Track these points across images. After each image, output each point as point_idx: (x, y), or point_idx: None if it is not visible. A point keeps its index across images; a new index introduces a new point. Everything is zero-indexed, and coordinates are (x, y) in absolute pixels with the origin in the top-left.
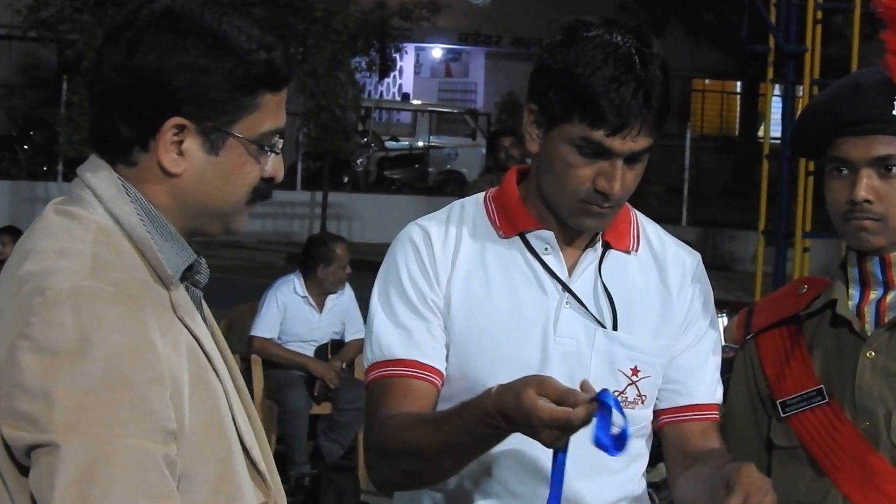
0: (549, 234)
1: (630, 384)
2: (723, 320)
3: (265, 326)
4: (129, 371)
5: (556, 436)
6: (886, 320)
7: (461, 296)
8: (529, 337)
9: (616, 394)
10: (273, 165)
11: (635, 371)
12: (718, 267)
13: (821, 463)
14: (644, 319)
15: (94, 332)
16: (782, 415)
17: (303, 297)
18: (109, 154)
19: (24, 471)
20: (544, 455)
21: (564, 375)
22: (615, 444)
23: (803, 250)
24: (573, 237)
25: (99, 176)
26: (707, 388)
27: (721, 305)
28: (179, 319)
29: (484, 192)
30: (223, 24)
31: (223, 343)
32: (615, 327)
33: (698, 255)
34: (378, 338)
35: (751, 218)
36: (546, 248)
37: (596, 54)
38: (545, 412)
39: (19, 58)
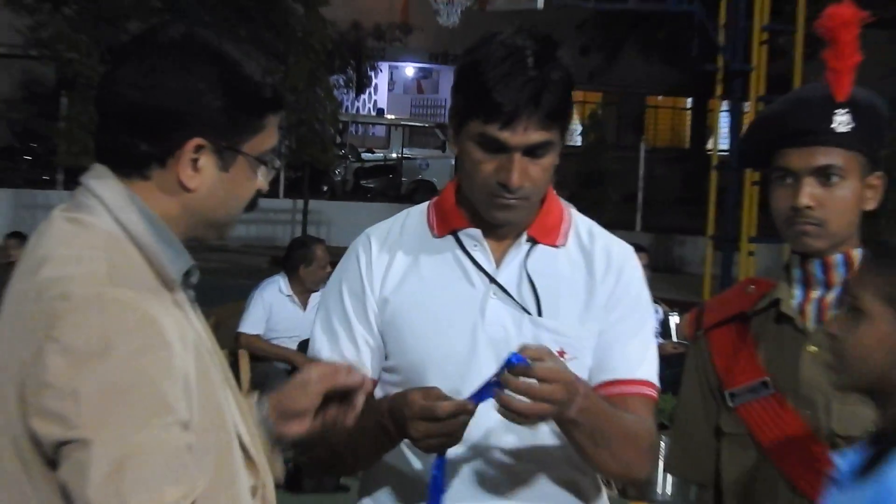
0: (477, 232)
1: None
2: (674, 318)
3: (252, 323)
4: (149, 369)
5: (426, 430)
6: (827, 318)
7: (396, 294)
8: (459, 327)
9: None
10: (264, 179)
11: (561, 353)
12: (670, 269)
13: (766, 449)
14: (570, 306)
15: (116, 334)
16: (731, 404)
17: (288, 295)
18: (123, 167)
19: (50, 464)
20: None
21: (493, 360)
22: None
23: (748, 254)
24: (500, 234)
25: (105, 185)
26: (630, 363)
27: (672, 305)
28: (185, 318)
29: (431, 200)
30: (238, 53)
31: (212, 338)
32: (540, 314)
33: (629, 247)
34: (313, 340)
35: (700, 224)
36: (475, 245)
37: (495, 56)
38: (415, 405)
39: (20, 75)
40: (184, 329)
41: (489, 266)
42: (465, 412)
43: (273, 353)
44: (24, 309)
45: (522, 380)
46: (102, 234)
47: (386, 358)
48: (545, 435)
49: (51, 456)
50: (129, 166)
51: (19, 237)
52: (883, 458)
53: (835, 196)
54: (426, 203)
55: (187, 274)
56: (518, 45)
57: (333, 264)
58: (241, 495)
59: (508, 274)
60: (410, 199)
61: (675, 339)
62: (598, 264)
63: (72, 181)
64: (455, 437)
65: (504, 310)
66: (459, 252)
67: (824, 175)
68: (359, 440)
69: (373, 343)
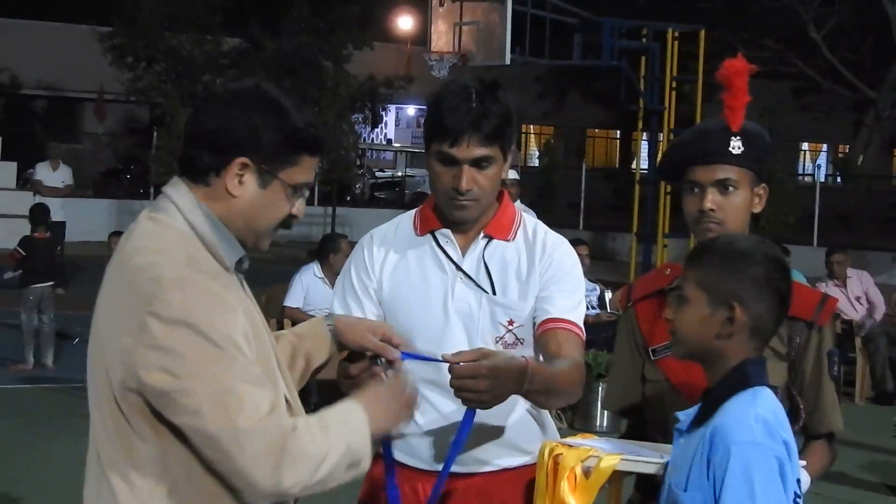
0: (447, 231)
1: (508, 331)
2: (608, 294)
3: (294, 299)
4: (223, 328)
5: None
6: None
7: (389, 279)
8: (434, 303)
9: (497, 339)
10: (299, 207)
11: (511, 322)
12: (605, 258)
13: (678, 389)
14: (515, 286)
15: (196, 307)
16: (652, 358)
17: (320, 277)
18: (193, 175)
19: (155, 413)
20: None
21: (460, 328)
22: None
23: (663, 246)
24: (464, 232)
25: (179, 193)
26: (562, 310)
27: (607, 284)
28: (243, 294)
29: (420, 206)
30: (288, 103)
31: (258, 310)
32: (493, 293)
33: (563, 239)
34: (331, 306)
35: (627, 224)
36: (446, 241)
37: (449, 92)
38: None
39: (122, 115)
40: (241, 301)
41: (456, 257)
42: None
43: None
44: (123, 290)
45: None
46: (176, 230)
47: None
48: None
49: (157, 405)
50: (197, 174)
51: (119, 235)
52: (710, 409)
53: (731, 202)
54: (415, 209)
55: (240, 262)
56: (466, 86)
57: None
58: None
59: (470, 263)
60: (412, 206)
61: (609, 310)
62: (536, 251)
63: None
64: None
65: (468, 290)
66: (435, 246)
67: (723, 186)
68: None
69: (376, 312)
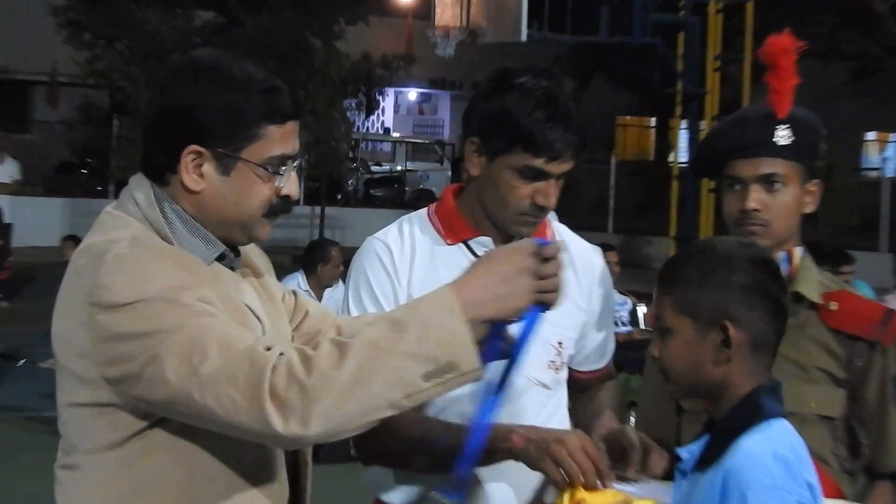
0: (487, 240)
1: (557, 354)
2: (641, 308)
3: None
4: (181, 296)
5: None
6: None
7: (420, 293)
8: None
9: (549, 363)
10: (288, 186)
11: (560, 344)
12: (637, 265)
13: None
14: (563, 303)
15: (141, 281)
16: None
17: (305, 290)
18: (152, 175)
19: (127, 406)
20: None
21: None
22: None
23: None
24: (505, 240)
25: (140, 188)
26: (605, 354)
27: (639, 296)
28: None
29: (425, 209)
30: (233, 68)
31: (279, 309)
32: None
33: (599, 251)
34: None
35: (663, 226)
36: (484, 251)
37: (528, 98)
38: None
39: (79, 101)
40: (213, 282)
41: None
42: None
43: None
44: (70, 287)
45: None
46: (133, 223)
47: None
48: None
49: (132, 396)
50: (154, 174)
51: (74, 240)
52: (719, 447)
53: (778, 201)
54: (423, 211)
55: (225, 259)
56: (544, 87)
57: (346, 263)
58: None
59: None
60: (413, 205)
61: (641, 326)
62: (579, 265)
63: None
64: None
65: None
66: (472, 257)
67: (768, 182)
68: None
69: None
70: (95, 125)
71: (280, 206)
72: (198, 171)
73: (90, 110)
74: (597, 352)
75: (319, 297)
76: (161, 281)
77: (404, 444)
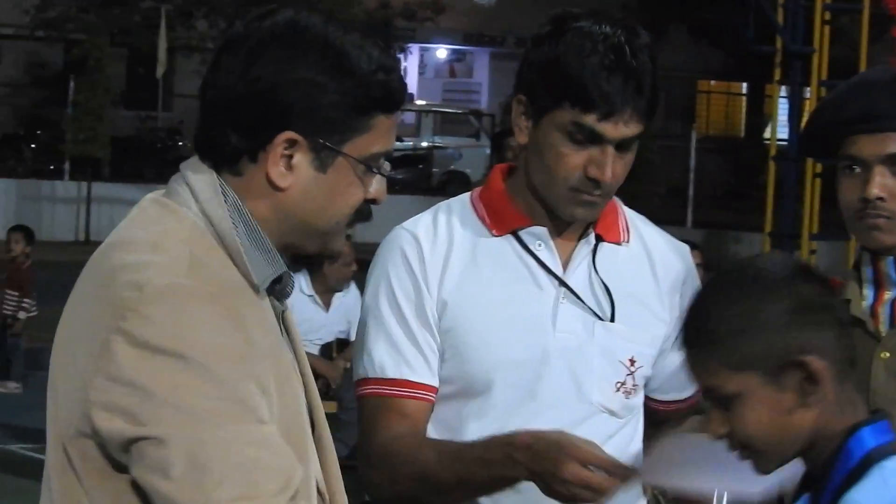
0: (541, 230)
1: (629, 374)
2: None
3: None
4: (221, 370)
5: (580, 476)
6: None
7: (455, 296)
8: (527, 334)
9: (619, 385)
10: (377, 187)
11: (633, 361)
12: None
13: None
14: (637, 311)
15: (190, 331)
16: None
17: (309, 295)
18: (216, 161)
19: (113, 465)
20: None
21: (564, 370)
22: None
23: (810, 252)
24: (565, 231)
25: (200, 175)
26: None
27: None
28: (267, 325)
29: (469, 193)
30: (345, 43)
31: (302, 355)
32: (612, 320)
33: (687, 248)
34: (370, 353)
35: (755, 220)
36: (539, 244)
37: (585, 43)
38: (581, 446)
39: (26, 57)
40: (267, 332)
41: (557, 267)
42: (623, 475)
43: None
44: (94, 294)
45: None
46: (188, 223)
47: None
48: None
49: (116, 456)
50: (221, 160)
51: (23, 231)
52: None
53: None
54: (465, 196)
55: (278, 282)
56: (606, 34)
57: (358, 262)
58: None
59: (578, 276)
60: (442, 191)
61: None
62: (659, 265)
63: (79, 171)
64: (604, 496)
65: (576, 315)
66: (523, 252)
67: None
68: (474, 472)
69: (436, 348)
70: (46, 87)
71: (365, 212)
72: (287, 164)
73: (38, 70)
74: (680, 377)
75: (327, 304)
76: (207, 337)
77: (408, 481)
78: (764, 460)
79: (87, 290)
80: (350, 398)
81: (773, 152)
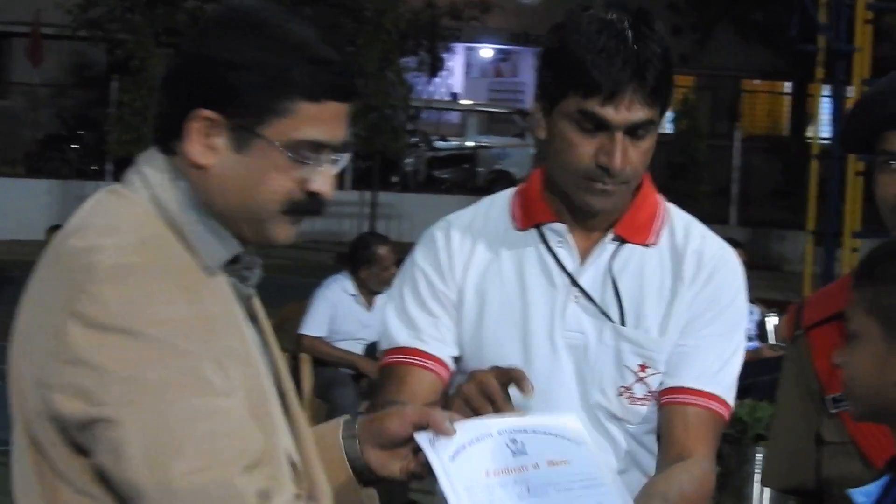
0: (562, 227)
1: (638, 381)
2: (772, 320)
3: (314, 325)
4: (178, 342)
5: None
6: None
7: (475, 287)
8: (537, 329)
9: (622, 389)
10: (319, 181)
11: (643, 367)
12: (767, 267)
13: (871, 458)
14: (653, 314)
15: (142, 306)
16: (833, 410)
17: (353, 295)
18: (160, 141)
19: (75, 449)
20: None
21: (571, 369)
22: None
23: (852, 250)
24: (588, 230)
25: (152, 163)
26: (703, 374)
27: (769, 305)
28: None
29: (514, 188)
30: (283, 26)
31: (272, 341)
32: (622, 322)
33: (729, 249)
34: (386, 327)
35: (800, 218)
36: (559, 241)
37: (590, 30)
38: None
39: (69, 57)
40: (224, 306)
41: (572, 265)
42: None
43: (337, 356)
44: (49, 281)
45: None
46: (140, 207)
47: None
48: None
49: (76, 438)
50: (162, 139)
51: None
52: None
53: None
54: (512, 190)
55: (236, 262)
56: (614, 19)
57: (400, 263)
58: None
59: (592, 275)
60: (488, 190)
61: (772, 342)
62: (687, 266)
63: (122, 172)
64: None
65: (585, 315)
66: (543, 248)
67: None
68: None
69: (452, 327)
70: (89, 88)
71: (305, 205)
72: (207, 143)
73: (83, 70)
74: (693, 367)
75: (370, 303)
76: (161, 312)
77: None
78: (853, 406)
79: (43, 278)
80: None
81: (815, 150)
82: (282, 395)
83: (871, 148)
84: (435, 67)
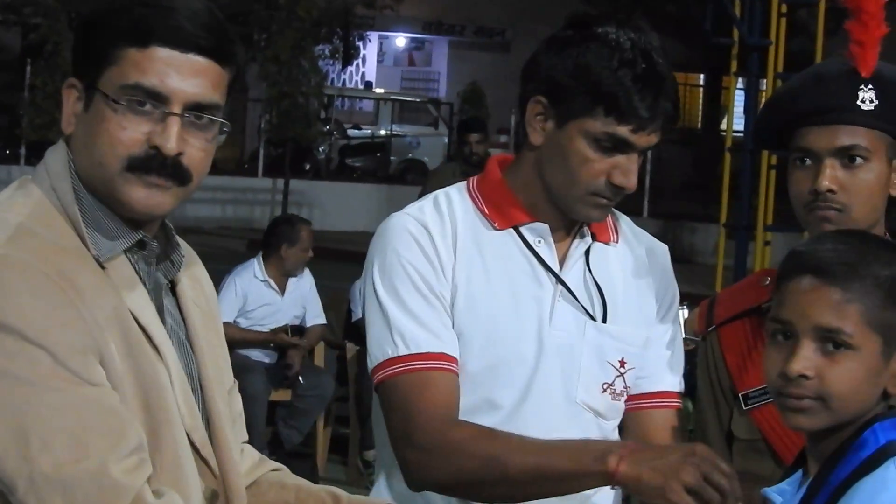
0: (543, 227)
1: (618, 376)
2: (683, 312)
3: (223, 310)
4: (46, 333)
5: (699, 481)
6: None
7: (464, 286)
8: (527, 328)
9: (605, 386)
10: (158, 132)
11: (623, 363)
12: (679, 259)
13: (782, 456)
14: (627, 311)
15: (7, 298)
16: (744, 407)
17: (263, 280)
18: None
19: None
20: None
21: (557, 367)
22: None
23: (764, 243)
24: (563, 229)
25: (55, 153)
26: (673, 376)
27: (682, 298)
28: (114, 290)
29: (465, 183)
30: None
31: (198, 331)
32: (604, 319)
33: (665, 248)
34: (400, 332)
35: (712, 211)
36: (539, 241)
37: (613, 54)
38: (708, 454)
39: None
40: (102, 298)
41: (555, 265)
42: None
43: (249, 339)
44: None
45: None
46: (35, 199)
47: None
48: None
49: None
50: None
51: None
52: (827, 492)
53: (858, 179)
54: (461, 186)
55: (144, 249)
56: (633, 41)
57: (315, 249)
58: (187, 493)
59: (574, 274)
60: (400, 179)
61: (684, 335)
62: (645, 267)
63: (36, 156)
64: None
65: (570, 313)
66: (524, 248)
67: (847, 156)
68: (556, 462)
69: (453, 329)
70: (3, 72)
71: (148, 161)
72: (73, 111)
73: None
74: (668, 370)
75: (282, 288)
76: (29, 306)
77: (473, 463)
78: (821, 415)
79: None
80: (305, 386)
81: (728, 144)
82: (203, 388)
83: (784, 144)
84: (348, 56)
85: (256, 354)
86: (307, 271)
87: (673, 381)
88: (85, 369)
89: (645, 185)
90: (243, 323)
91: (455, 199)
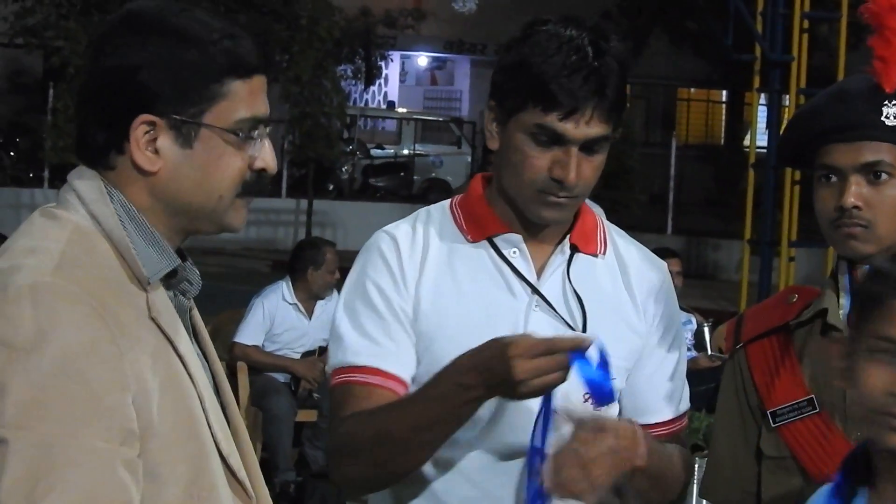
0: (516, 237)
1: None
2: (708, 328)
3: (249, 333)
4: (85, 368)
5: (536, 367)
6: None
7: (430, 300)
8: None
9: (585, 396)
10: (263, 155)
11: None
12: (703, 276)
13: (811, 473)
14: (610, 323)
15: (50, 329)
16: (773, 424)
17: (291, 304)
18: (90, 160)
19: None
20: (520, 454)
21: None
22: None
23: (789, 259)
24: (541, 240)
25: (84, 180)
26: (674, 403)
27: (706, 314)
28: (154, 321)
29: (450, 199)
30: (181, 19)
31: (212, 353)
32: (584, 330)
33: (664, 264)
34: (343, 343)
35: (735, 227)
36: (514, 252)
37: (549, 45)
38: (522, 341)
39: (5, 64)
40: (144, 331)
41: (531, 275)
42: (571, 345)
43: (270, 363)
44: None
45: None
46: (70, 227)
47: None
48: None
49: None
50: (94, 158)
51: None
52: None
53: (884, 195)
54: (445, 203)
55: (175, 277)
56: (571, 35)
57: (340, 269)
58: None
59: (551, 285)
60: (423, 198)
61: (709, 352)
62: (635, 280)
63: (59, 179)
64: (565, 372)
65: (547, 324)
66: (498, 259)
67: (872, 172)
68: (429, 413)
69: (410, 345)
70: (25, 95)
71: (255, 184)
72: (152, 147)
73: (18, 77)
74: (659, 395)
75: (309, 311)
76: (73, 339)
77: (365, 445)
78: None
79: None
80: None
81: (752, 160)
82: (223, 408)
83: (808, 161)
84: (370, 76)
85: (283, 376)
86: (335, 294)
87: (666, 411)
88: (121, 415)
89: (668, 202)
90: (269, 347)
91: (435, 216)
